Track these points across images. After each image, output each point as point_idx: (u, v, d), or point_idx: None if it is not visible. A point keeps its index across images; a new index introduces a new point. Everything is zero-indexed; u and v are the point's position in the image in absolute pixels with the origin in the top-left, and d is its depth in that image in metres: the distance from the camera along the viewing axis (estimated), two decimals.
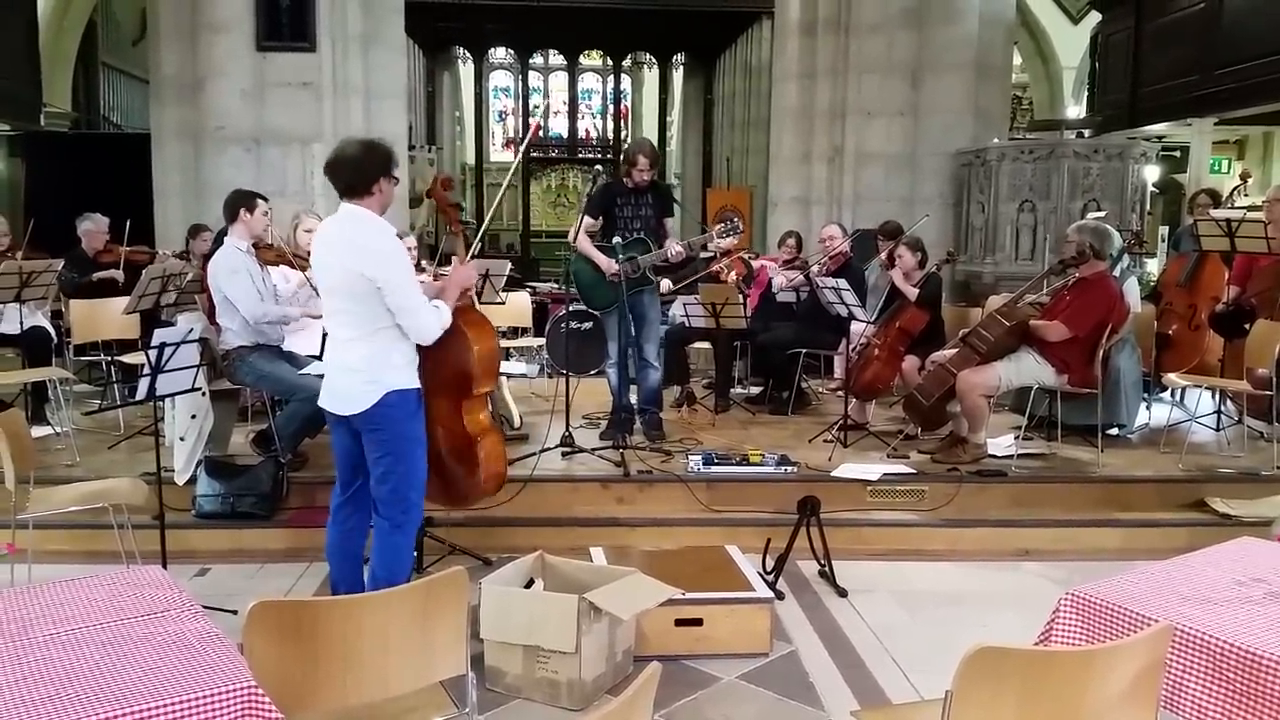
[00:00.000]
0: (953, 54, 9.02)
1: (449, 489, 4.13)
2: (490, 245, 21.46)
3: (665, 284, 7.10)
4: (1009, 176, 8.34)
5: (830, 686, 3.66)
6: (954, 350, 5.65)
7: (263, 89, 8.53)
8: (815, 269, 6.88)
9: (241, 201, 5.30)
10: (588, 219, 5.91)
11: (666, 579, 3.76)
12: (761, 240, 11.37)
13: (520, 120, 23.67)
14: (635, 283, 5.81)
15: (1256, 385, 5.92)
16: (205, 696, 1.93)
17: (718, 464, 5.43)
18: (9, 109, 10.13)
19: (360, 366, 3.57)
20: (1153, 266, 10.31)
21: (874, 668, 3.82)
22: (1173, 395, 7.02)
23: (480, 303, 6.22)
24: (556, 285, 10.46)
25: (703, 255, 7.00)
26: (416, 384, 3.67)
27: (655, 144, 5.95)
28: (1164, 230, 12.32)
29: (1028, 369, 5.46)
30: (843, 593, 4.50)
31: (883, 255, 7.12)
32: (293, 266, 5.63)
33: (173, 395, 4.38)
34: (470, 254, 4.34)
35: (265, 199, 5.46)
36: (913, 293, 6.21)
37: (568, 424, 5.78)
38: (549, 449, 5.61)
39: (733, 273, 6.99)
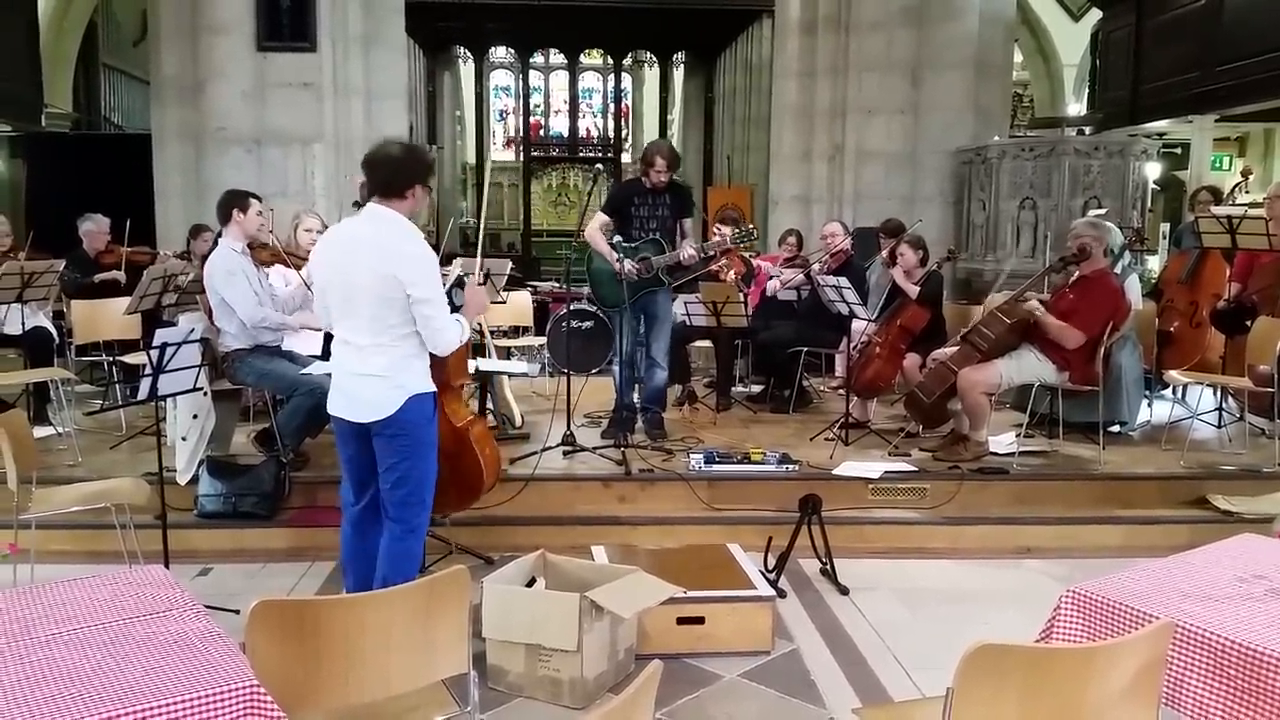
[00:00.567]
0: (953, 52, 9.02)
1: (457, 486, 4.14)
2: (491, 244, 21.49)
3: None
4: (1010, 174, 8.34)
5: (832, 684, 3.66)
6: (955, 348, 5.65)
7: (263, 89, 8.54)
8: (816, 267, 6.88)
9: (234, 202, 5.22)
10: (604, 216, 5.92)
11: (668, 577, 3.76)
12: (762, 239, 11.36)
13: (521, 119, 23.66)
14: (648, 283, 5.81)
15: (1258, 382, 5.92)
16: (207, 696, 1.93)
17: (719, 462, 5.43)
18: (10, 110, 10.15)
19: (384, 372, 3.50)
20: (1154, 264, 10.30)
21: (876, 665, 3.82)
22: (1174, 392, 7.02)
23: None
24: (558, 284, 10.46)
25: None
26: (434, 387, 3.64)
27: (672, 145, 5.93)
28: (1165, 227, 12.30)
29: (1029, 366, 5.46)
30: (844, 590, 4.50)
31: (884, 253, 7.12)
32: (288, 266, 5.63)
33: (174, 395, 4.39)
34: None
35: (259, 198, 5.40)
36: (913, 291, 6.21)
37: (569, 423, 5.78)
38: (550, 448, 5.61)
39: (731, 271, 7.00)
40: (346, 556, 3.86)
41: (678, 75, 22.17)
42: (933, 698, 2.35)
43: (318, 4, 8.49)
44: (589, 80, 24.30)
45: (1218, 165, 14.30)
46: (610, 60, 23.36)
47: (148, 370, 3.96)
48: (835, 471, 5.41)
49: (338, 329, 3.63)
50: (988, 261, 8.52)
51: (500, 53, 23.40)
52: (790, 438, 6.18)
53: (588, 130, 24.30)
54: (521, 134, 23.59)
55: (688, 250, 5.78)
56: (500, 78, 24.28)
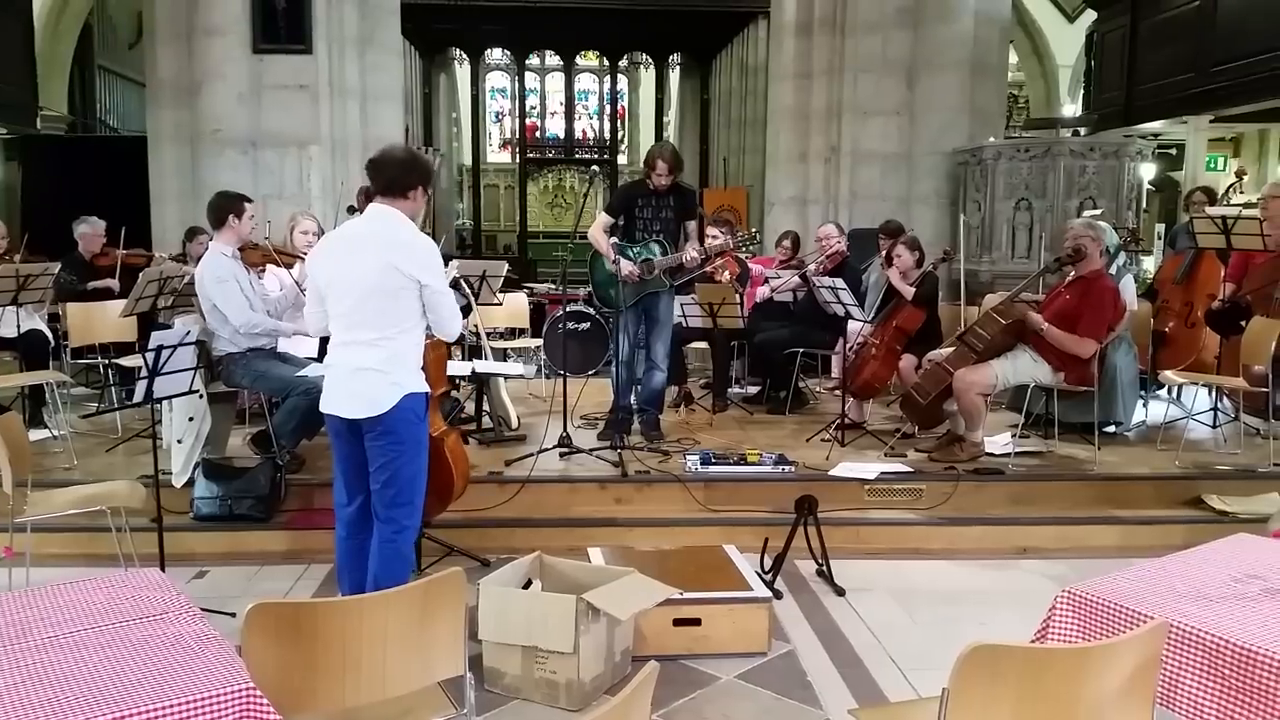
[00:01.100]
0: (948, 53, 9.04)
1: (430, 493, 4.13)
2: (487, 246, 21.49)
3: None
4: (1005, 175, 8.37)
5: (828, 685, 3.66)
6: (951, 349, 5.66)
7: (259, 92, 8.54)
8: (812, 268, 6.89)
9: (229, 207, 5.18)
10: (607, 217, 5.93)
11: (664, 579, 3.77)
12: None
13: (517, 121, 23.66)
14: (650, 284, 5.82)
15: (1253, 382, 5.94)
16: (204, 698, 1.93)
17: (715, 464, 5.44)
18: (5, 113, 10.14)
19: (382, 367, 3.55)
20: (1149, 264, 10.32)
21: (872, 666, 3.83)
22: (1169, 393, 7.03)
23: (478, 303, 6.25)
24: (554, 286, 10.46)
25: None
26: (426, 388, 3.70)
27: (675, 148, 5.94)
28: (1160, 228, 12.35)
29: (1024, 367, 5.47)
30: (840, 592, 4.51)
31: (883, 254, 7.13)
32: (279, 265, 5.62)
33: (170, 398, 4.38)
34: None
35: (250, 200, 5.39)
36: (909, 291, 6.22)
37: (565, 425, 5.78)
38: (547, 450, 5.61)
39: (726, 272, 7.00)
40: (341, 562, 3.86)
41: (673, 77, 22.18)
42: (928, 698, 2.35)
43: (313, 6, 8.48)
44: (585, 82, 24.34)
45: (1212, 166, 14.34)
46: (606, 62, 23.39)
47: (143, 373, 3.95)
48: (831, 472, 5.42)
49: (338, 327, 3.64)
50: (983, 262, 8.54)
51: (496, 55, 23.42)
52: (786, 439, 6.18)
53: (584, 132, 24.32)
54: (517, 136, 23.60)
55: (690, 252, 5.78)
56: (496, 80, 24.30)
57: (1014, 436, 5.74)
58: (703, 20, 16.62)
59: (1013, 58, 14.58)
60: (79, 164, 10.92)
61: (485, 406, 6.25)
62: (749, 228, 12.64)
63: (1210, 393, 6.66)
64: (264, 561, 4.84)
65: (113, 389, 7.00)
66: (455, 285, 5.73)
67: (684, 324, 6.83)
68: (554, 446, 5.66)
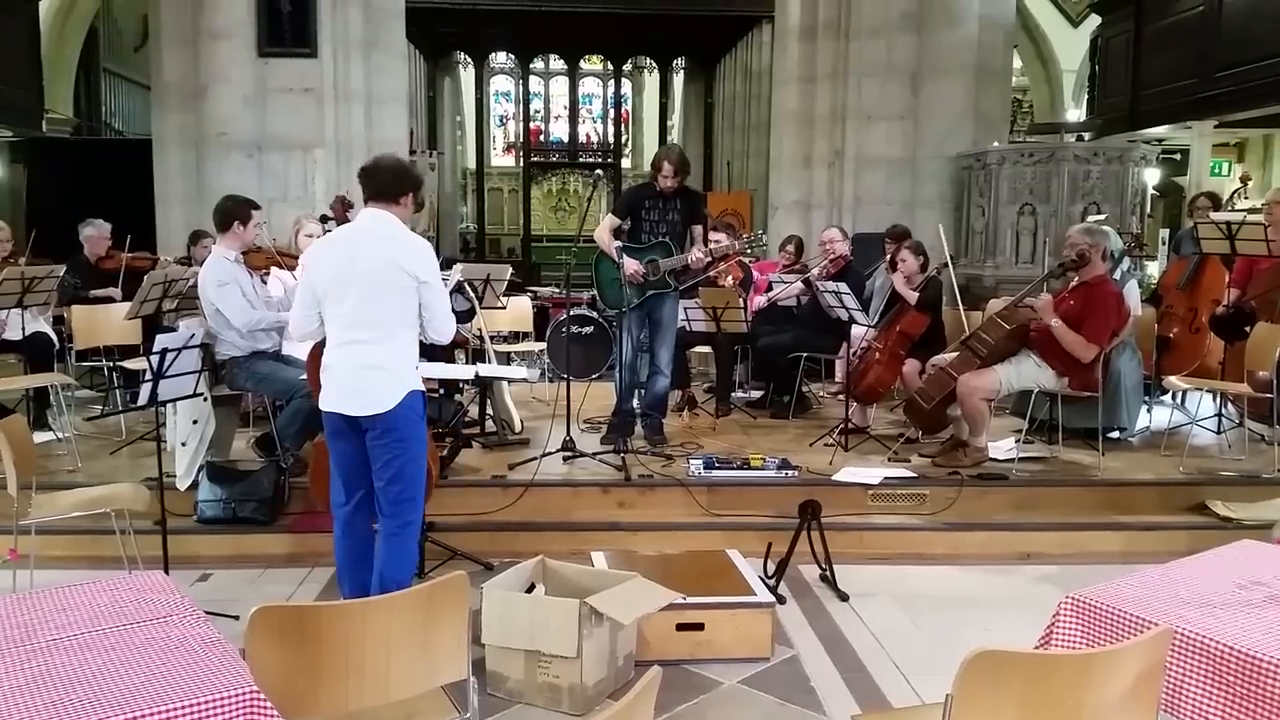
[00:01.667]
0: (953, 58, 9.04)
1: None
2: (491, 249, 21.51)
3: None
4: (1009, 180, 8.36)
5: (831, 691, 3.66)
6: (954, 354, 5.65)
7: (264, 95, 8.56)
8: (815, 273, 6.89)
9: (236, 213, 5.19)
10: (614, 218, 5.94)
11: (668, 583, 3.76)
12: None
13: (521, 125, 23.68)
14: (654, 286, 5.82)
15: (1257, 388, 5.93)
16: (207, 702, 1.93)
17: (719, 468, 5.44)
18: (11, 115, 10.16)
19: (385, 364, 3.64)
20: (1153, 269, 10.31)
21: (875, 672, 3.82)
22: (1173, 398, 7.02)
23: (481, 307, 6.26)
24: (558, 290, 10.46)
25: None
26: (423, 386, 3.78)
27: (682, 152, 5.95)
28: (1164, 233, 12.32)
29: (1028, 372, 5.47)
30: (844, 597, 4.50)
31: (888, 259, 7.13)
32: (281, 267, 5.63)
33: (174, 400, 4.39)
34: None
35: (259, 207, 5.40)
36: (912, 296, 6.21)
37: (569, 428, 5.78)
38: (550, 453, 5.61)
39: (729, 277, 7.00)
40: (341, 562, 3.89)
41: (678, 81, 22.21)
42: (932, 704, 2.35)
43: (318, 9, 8.51)
44: (589, 86, 24.35)
45: (1217, 171, 14.33)
46: (610, 66, 23.40)
47: (148, 376, 3.96)
48: (835, 477, 5.41)
49: (337, 327, 3.68)
50: (987, 267, 8.53)
51: (500, 58, 23.45)
52: (790, 443, 6.18)
53: (588, 136, 24.33)
54: (521, 140, 23.62)
55: (696, 254, 5.79)
56: (500, 83, 24.32)
57: (1018, 442, 5.73)
58: (707, 24, 16.64)
59: (1017, 62, 14.58)
60: (84, 167, 10.95)
61: (489, 410, 6.26)
62: (752, 231, 12.65)
63: (1215, 398, 6.65)
64: (268, 564, 4.85)
65: (117, 392, 7.01)
66: (459, 289, 5.74)
67: (688, 328, 6.83)
68: (557, 450, 5.66)
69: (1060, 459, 5.85)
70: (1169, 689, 2.33)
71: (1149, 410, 6.74)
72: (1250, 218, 6.51)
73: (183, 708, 1.91)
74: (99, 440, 6.17)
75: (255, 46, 8.50)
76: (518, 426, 6.25)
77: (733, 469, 5.44)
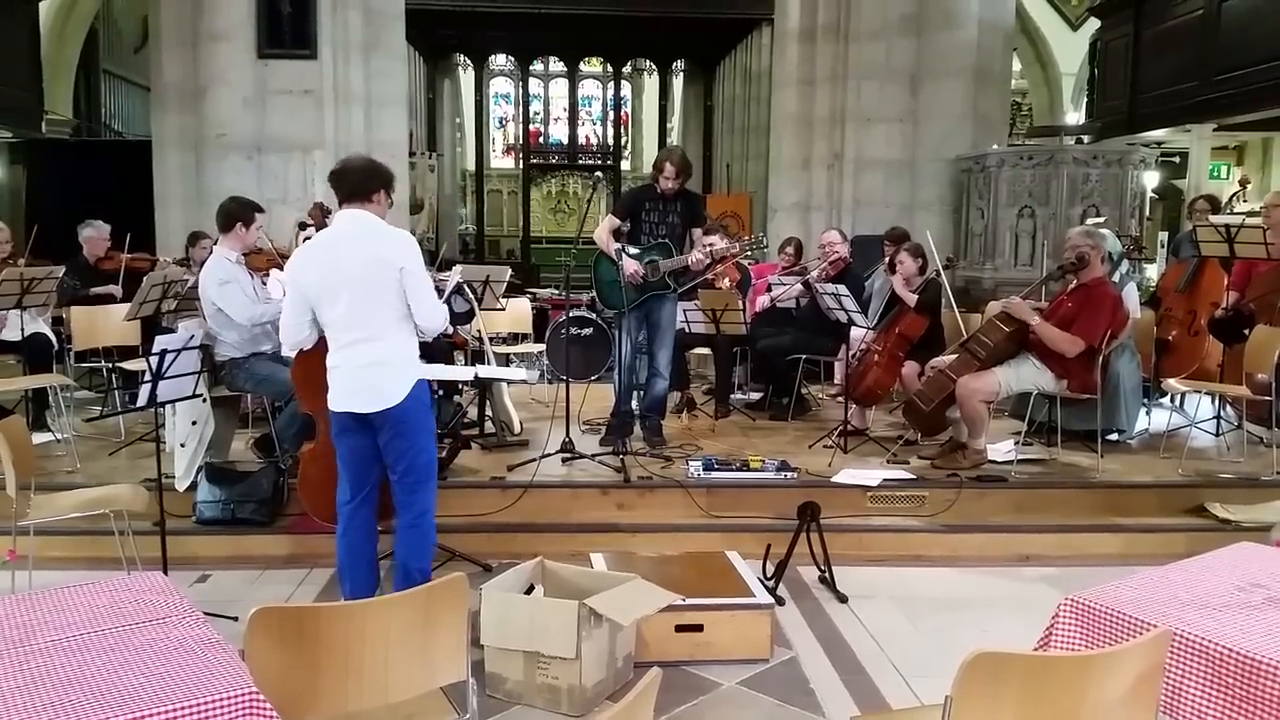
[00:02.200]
0: (952, 60, 9.05)
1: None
2: (490, 251, 21.50)
3: None
4: (1008, 182, 8.37)
5: (830, 692, 3.66)
6: (954, 356, 5.66)
7: (264, 96, 8.57)
8: (815, 275, 6.89)
9: (240, 215, 5.21)
10: (614, 219, 5.94)
11: (667, 585, 3.76)
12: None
13: (521, 127, 23.68)
14: (654, 287, 5.82)
15: (1256, 391, 5.93)
16: (206, 703, 1.93)
17: (718, 470, 5.44)
18: (10, 116, 10.16)
19: (388, 359, 3.72)
20: (1152, 272, 10.33)
21: (874, 673, 3.82)
22: (1172, 400, 7.03)
23: (480, 308, 6.26)
24: (557, 291, 10.47)
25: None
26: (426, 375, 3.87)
27: (684, 154, 5.96)
28: (1163, 236, 12.35)
29: (1027, 374, 5.47)
30: (843, 598, 4.50)
31: (886, 261, 7.13)
32: (282, 269, 5.63)
33: (173, 402, 4.39)
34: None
35: (262, 211, 5.41)
36: (911, 298, 6.22)
37: (568, 430, 5.78)
38: (549, 455, 5.61)
39: (726, 279, 7.00)
40: (343, 561, 3.91)
41: (677, 83, 22.19)
42: (931, 706, 2.35)
43: (318, 11, 8.52)
44: (588, 88, 24.34)
45: (1215, 174, 14.34)
46: (610, 68, 23.39)
47: (147, 377, 3.96)
48: (834, 479, 5.41)
49: (335, 330, 3.73)
50: (986, 269, 8.54)
51: (500, 60, 23.43)
52: (789, 445, 6.18)
53: (587, 138, 24.32)
54: (521, 141, 23.61)
55: (696, 255, 5.80)
56: (500, 85, 24.31)
57: (1017, 444, 5.74)
58: (706, 27, 16.63)
59: (1016, 65, 14.59)
60: (84, 168, 10.95)
61: (488, 411, 6.26)
62: (753, 233, 12.66)
63: (1213, 401, 6.65)
64: (266, 565, 4.85)
65: (116, 393, 7.01)
66: (459, 290, 5.74)
67: (687, 330, 6.84)
68: (556, 452, 5.66)
69: (1059, 461, 5.85)
70: (1168, 691, 2.33)
71: (1148, 413, 6.75)
72: (1249, 221, 6.52)
73: (182, 708, 1.91)
74: (98, 441, 6.17)
75: (255, 48, 8.51)
76: (517, 428, 6.25)
77: (732, 470, 5.44)
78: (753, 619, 3.89)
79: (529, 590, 3.85)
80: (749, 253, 6.59)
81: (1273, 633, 2.31)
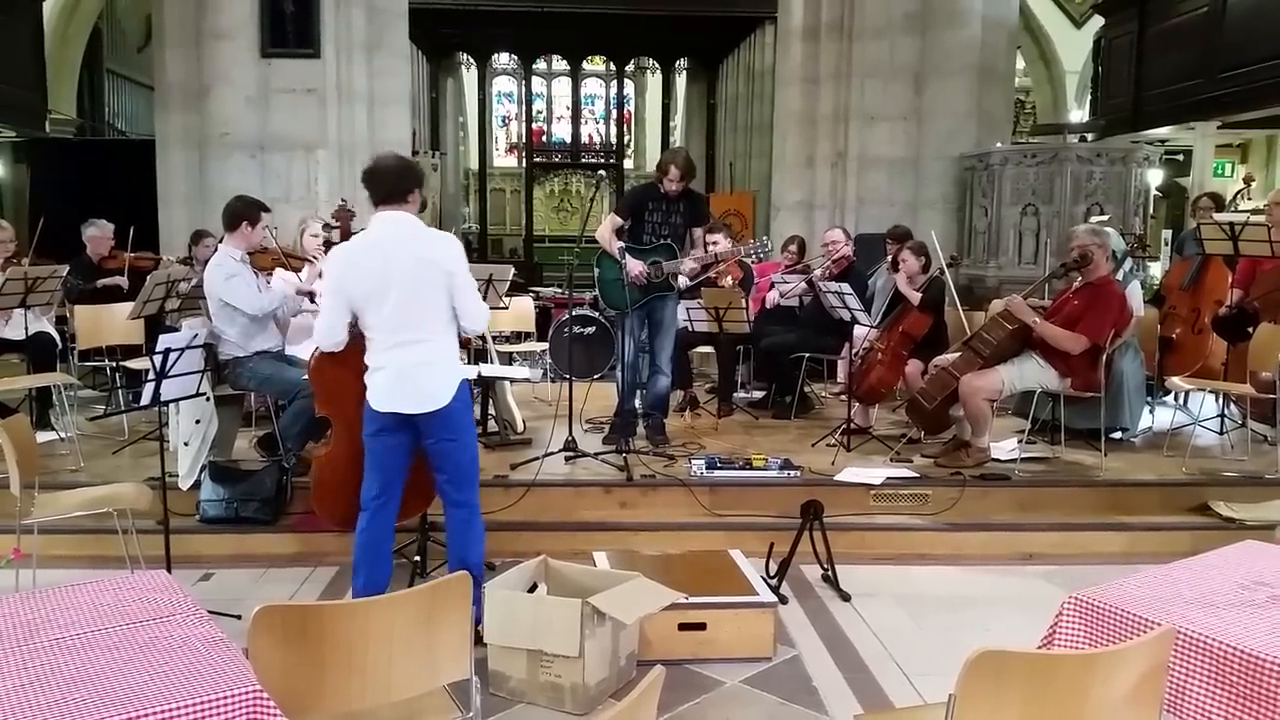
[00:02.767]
0: (956, 58, 9.03)
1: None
2: (493, 250, 21.51)
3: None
4: (1012, 180, 8.36)
5: (833, 690, 3.66)
6: (957, 354, 5.65)
7: (267, 95, 8.57)
8: (818, 273, 6.89)
9: (245, 214, 5.22)
10: (616, 218, 5.94)
11: (670, 583, 3.77)
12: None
13: (524, 125, 23.68)
14: (656, 287, 5.83)
15: (1260, 389, 5.92)
16: (210, 701, 1.93)
17: (721, 468, 5.44)
18: (14, 116, 10.18)
19: (435, 360, 3.75)
20: (1156, 270, 10.30)
21: (877, 672, 3.82)
22: (1176, 399, 7.02)
23: None
24: (560, 290, 10.47)
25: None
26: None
27: (688, 155, 5.96)
28: (1167, 234, 12.31)
29: (1031, 373, 5.46)
30: (846, 597, 4.50)
31: (889, 258, 7.13)
32: (287, 268, 5.64)
33: (177, 400, 4.39)
34: None
35: (268, 210, 5.42)
36: (915, 296, 6.21)
37: (571, 428, 5.78)
38: (552, 453, 5.61)
39: (728, 277, 7.00)
40: (359, 555, 3.91)
41: (680, 82, 22.18)
42: (934, 704, 2.35)
43: (321, 10, 8.51)
44: (591, 86, 24.33)
45: (1220, 172, 14.31)
46: (613, 67, 23.38)
47: (150, 376, 3.96)
48: (837, 477, 5.41)
49: (381, 332, 3.74)
50: (990, 267, 8.53)
51: (503, 59, 23.44)
52: (792, 443, 6.18)
53: (590, 137, 24.31)
54: (524, 140, 23.61)
55: (687, 264, 5.81)
56: (503, 84, 24.32)
57: (1020, 442, 5.73)
58: (709, 25, 16.62)
59: (1020, 63, 14.56)
60: (87, 167, 10.96)
61: (491, 410, 6.26)
62: (754, 233, 12.65)
63: (1217, 399, 6.65)
64: (270, 564, 4.85)
65: (120, 392, 7.02)
66: None
67: (690, 328, 6.84)
68: (559, 450, 5.66)
69: (1063, 459, 5.85)
70: (1172, 689, 2.33)
71: (1151, 411, 6.74)
72: (1253, 218, 6.51)
73: (185, 707, 1.91)
74: (102, 440, 6.17)
75: (258, 47, 8.51)
76: (520, 426, 6.25)
77: (735, 469, 5.43)
78: (756, 617, 3.89)
79: (532, 589, 3.85)
80: (749, 258, 6.59)
81: (1277, 631, 2.31)
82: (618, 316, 6.13)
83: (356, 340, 3.86)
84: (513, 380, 6.32)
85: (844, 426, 6.10)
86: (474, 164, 22.63)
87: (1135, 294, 6.20)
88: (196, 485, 5.08)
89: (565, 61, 23.52)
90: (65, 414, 6.20)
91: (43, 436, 5.80)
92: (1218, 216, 6.84)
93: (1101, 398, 5.55)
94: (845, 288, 6.06)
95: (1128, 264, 6.41)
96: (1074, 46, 16.32)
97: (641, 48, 21.73)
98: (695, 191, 6.09)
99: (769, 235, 8.88)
